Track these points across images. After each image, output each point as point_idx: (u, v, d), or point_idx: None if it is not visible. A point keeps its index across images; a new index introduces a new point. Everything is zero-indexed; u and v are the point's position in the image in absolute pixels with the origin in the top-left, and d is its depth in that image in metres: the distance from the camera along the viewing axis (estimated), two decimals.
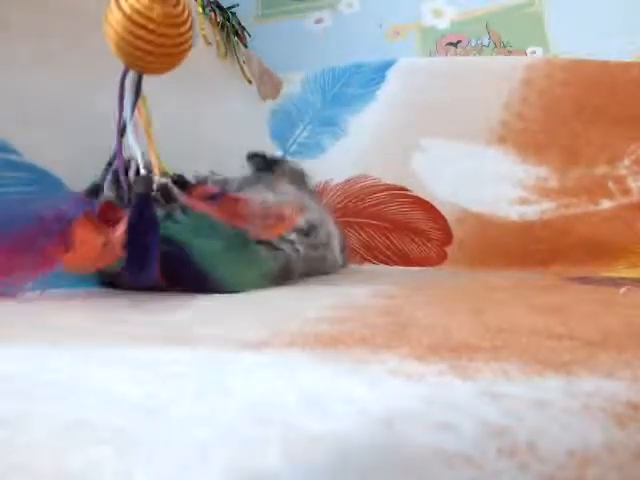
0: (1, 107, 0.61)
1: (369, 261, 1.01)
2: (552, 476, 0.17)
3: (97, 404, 0.20)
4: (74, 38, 0.73)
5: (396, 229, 1.03)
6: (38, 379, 0.22)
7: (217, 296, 0.53)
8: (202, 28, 1.03)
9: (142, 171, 0.48)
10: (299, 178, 0.87)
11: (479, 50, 1.37)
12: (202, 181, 0.63)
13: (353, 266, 0.92)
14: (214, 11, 1.09)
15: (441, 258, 1.01)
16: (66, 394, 0.21)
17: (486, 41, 1.37)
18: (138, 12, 0.41)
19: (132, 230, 0.44)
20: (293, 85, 1.23)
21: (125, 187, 0.49)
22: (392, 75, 1.16)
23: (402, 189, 1.05)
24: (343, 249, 0.83)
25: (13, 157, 0.61)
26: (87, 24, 0.75)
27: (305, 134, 1.17)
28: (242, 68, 1.13)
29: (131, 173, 0.49)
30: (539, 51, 1.33)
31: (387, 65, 1.18)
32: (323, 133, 1.15)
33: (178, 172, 0.61)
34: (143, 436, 0.18)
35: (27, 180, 0.62)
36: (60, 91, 0.69)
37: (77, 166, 0.67)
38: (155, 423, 0.19)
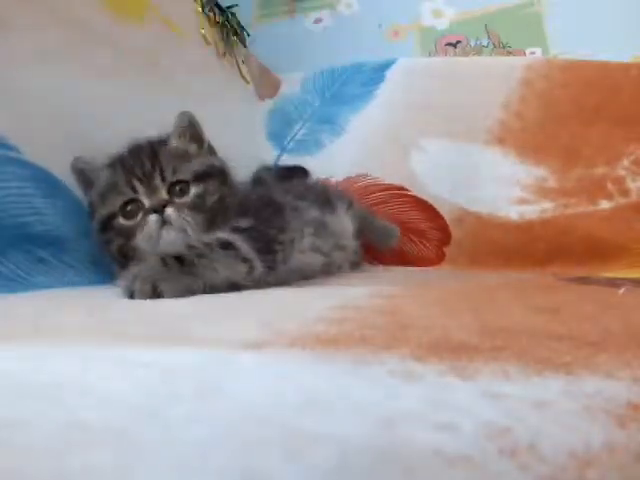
0: (3, 105, 0.61)
1: (367, 260, 1.01)
2: (553, 477, 0.17)
3: (96, 404, 0.20)
4: (75, 37, 0.73)
5: None
6: (37, 379, 0.22)
7: (217, 296, 0.53)
8: (201, 27, 1.03)
9: None
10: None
11: (478, 50, 1.37)
12: None
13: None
14: (213, 11, 1.09)
15: (440, 258, 1.01)
16: (65, 394, 0.21)
17: (485, 41, 1.37)
18: None
19: None
20: (292, 85, 1.23)
21: None
22: (391, 75, 1.16)
23: (401, 189, 1.05)
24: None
25: (12, 154, 0.61)
26: (92, 23, 0.75)
27: (303, 131, 1.17)
28: (240, 68, 1.13)
29: None
30: (538, 51, 1.33)
31: (386, 65, 1.18)
32: (322, 131, 1.15)
33: None
34: (143, 436, 0.18)
35: (25, 176, 0.62)
36: (60, 90, 0.69)
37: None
38: (155, 423, 0.19)
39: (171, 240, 0.56)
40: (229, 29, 1.12)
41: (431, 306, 0.44)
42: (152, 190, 0.60)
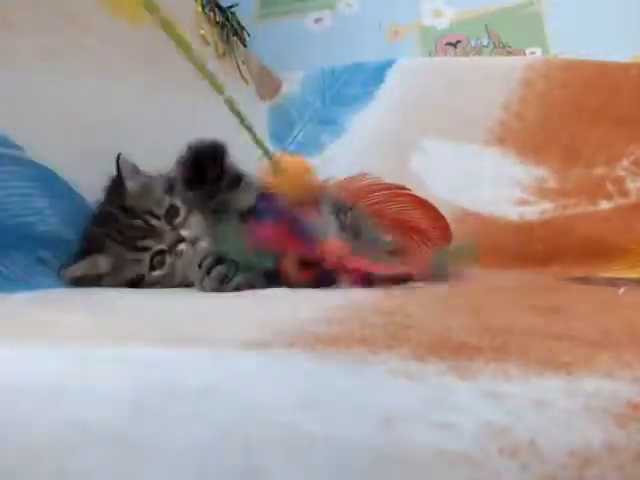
0: (5, 104, 0.61)
1: None
2: (553, 476, 0.17)
3: (96, 404, 0.20)
4: (76, 37, 0.73)
5: (395, 228, 1.03)
6: (37, 379, 0.22)
7: (217, 296, 0.53)
8: (201, 27, 1.02)
9: None
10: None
11: (478, 50, 1.37)
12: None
13: None
14: (213, 11, 1.09)
15: None
16: (65, 394, 0.21)
17: (485, 41, 1.37)
18: None
19: None
20: (292, 85, 1.23)
21: None
22: (391, 75, 1.16)
23: (402, 188, 1.05)
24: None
25: (14, 152, 0.61)
26: (93, 25, 0.75)
27: (304, 132, 1.17)
28: (240, 68, 1.12)
29: None
30: (538, 51, 1.33)
31: (386, 65, 1.18)
32: (322, 132, 1.15)
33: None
34: (143, 436, 0.18)
35: (27, 175, 0.62)
36: (64, 90, 0.69)
37: (78, 164, 0.67)
38: (155, 423, 0.19)
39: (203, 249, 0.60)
40: (229, 29, 1.12)
41: (431, 306, 0.44)
42: (159, 236, 0.61)
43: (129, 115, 0.76)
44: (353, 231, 0.88)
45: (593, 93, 1.04)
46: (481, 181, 1.02)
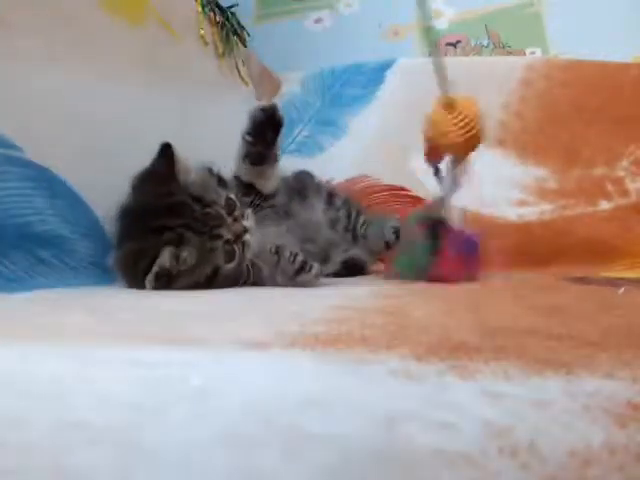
0: (4, 104, 0.61)
1: None
2: (553, 476, 0.17)
3: (97, 404, 0.20)
4: (76, 39, 0.73)
5: None
6: (37, 379, 0.22)
7: (217, 296, 0.53)
8: (201, 28, 1.02)
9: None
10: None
11: (478, 50, 1.37)
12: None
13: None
14: (213, 11, 1.09)
15: None
16: (65, 394, 0.21)
17: (485, 41, 1.37)
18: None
19: None
20: (292, 85, 1.23)
21: None
22: (391, 75, 1.16)
23: (402, 189, 1.05)
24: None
25: (13, 153, 0.61)
26: (93, 25, 0.75)
27: (304, 133, 1.17)
28: (239, 68, 1.12)
29: None
30: (538, 51, 1.33)
31: (386, 65, 1.18)
32: (322, 133, 1.15)
33: None
34: (143, 436, 0.18)
35: (27, 175, 0.62)
36: (64, 90, 0.69)
37: (77, 164, 0.67)
38: (155, 423, 0.19)
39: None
40: (229, 29, 1.12)
41: (431, 306, 0.44)
42: (227, 227, 0.62)
43: (128, 115, 0.76)
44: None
45: (593, 93, 1.04)
46: (481, 182, 1.02)
